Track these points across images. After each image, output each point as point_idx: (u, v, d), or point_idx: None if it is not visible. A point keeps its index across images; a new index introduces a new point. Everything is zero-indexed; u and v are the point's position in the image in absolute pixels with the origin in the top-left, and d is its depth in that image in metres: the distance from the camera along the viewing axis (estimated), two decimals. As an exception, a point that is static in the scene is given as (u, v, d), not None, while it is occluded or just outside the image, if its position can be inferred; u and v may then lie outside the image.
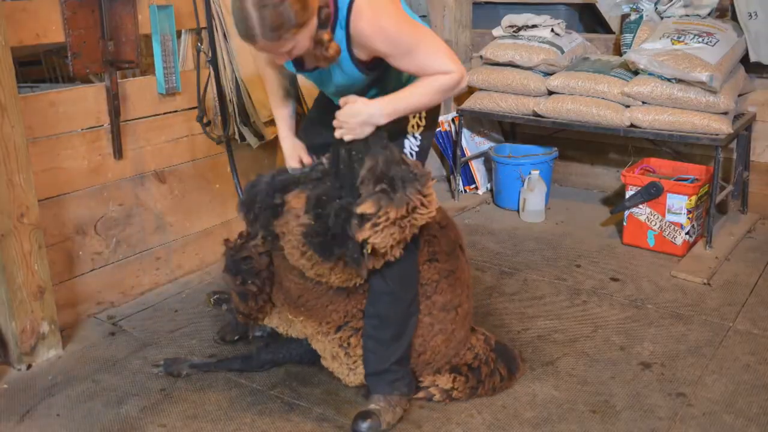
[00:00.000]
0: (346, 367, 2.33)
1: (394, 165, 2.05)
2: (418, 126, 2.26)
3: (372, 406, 2.20)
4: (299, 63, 2.13)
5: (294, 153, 2.33)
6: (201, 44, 3.09)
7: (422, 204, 2.07)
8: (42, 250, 2.53)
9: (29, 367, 2.56)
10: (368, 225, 2.00)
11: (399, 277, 2.19)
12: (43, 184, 2.63)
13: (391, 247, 2.05)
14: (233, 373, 2.51)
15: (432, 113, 2.30)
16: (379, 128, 2.06)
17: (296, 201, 2.17)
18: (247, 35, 1.85)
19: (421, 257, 2.28)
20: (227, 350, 2.65)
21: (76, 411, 2.32)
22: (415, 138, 2.27)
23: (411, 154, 2.26)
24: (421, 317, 2.30)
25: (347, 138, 2.05)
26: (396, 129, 2.18)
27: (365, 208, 1.99)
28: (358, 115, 2.02)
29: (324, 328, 2.30)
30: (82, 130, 2.79)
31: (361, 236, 2.00)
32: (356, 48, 2.02)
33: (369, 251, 2.03)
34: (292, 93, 2.40)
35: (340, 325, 2.28)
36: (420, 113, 2.25)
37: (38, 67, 4.23)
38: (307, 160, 2.30)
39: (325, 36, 1.94)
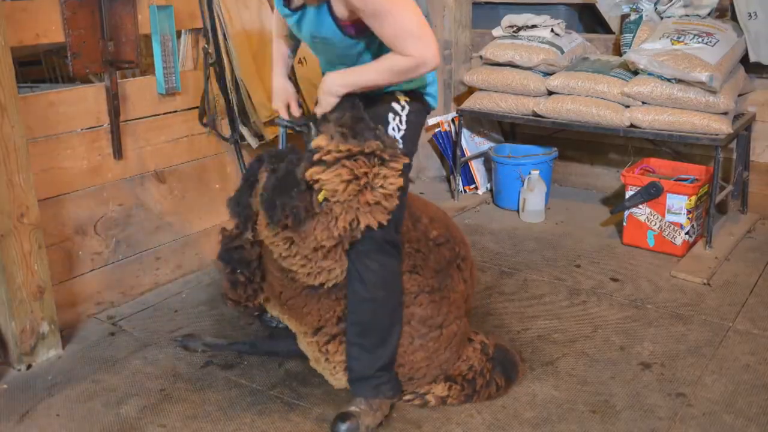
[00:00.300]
0: (328, 371, 2.31)
1: (361, 121, 1.98)
2: (403, 107, 2.18)
3: (352, 408, 2.17)
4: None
5: (282, 96, 2.26)
6: (208, 46, 3.09)
7: (381, 157, 1.95)
8: (42, 250, 2.53)
9: (29, 367, 2.56)
10: (316, 157, 1.90)
11: (380, 283, 2.12)
12: (42, 184, 2.63)
13: (348, 208, 1.91)
14: (233, 372, 2.51)
15: (416, 96, 2.21)
16: (357, 103, 2.02)
17: (263, 175, 2.15)
18: None
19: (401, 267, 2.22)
20: (222, 352, 2.65)
21: (75, 411, 2.32)
22: (400, 116, 2.16)
23: (397, 128, 2.16)
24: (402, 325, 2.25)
25: (319, 112, 2.07)
26: (380, 109, 2.15)
27: (318, 140, 1.93)
28: (322, 85, 2.02)
29: (303, 328, 2.29)
30: (81, 130, 2.79)
31: (308, 173, 1.92)
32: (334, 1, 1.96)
33: (320, 199, 1.90)
34: (293, 47, 2.38)
35: (317, 329, 2.25)
36: (405, 96, 2.18)
37: (38, 67, 4.23)
38: (295, 109, 2.23)
39: None
